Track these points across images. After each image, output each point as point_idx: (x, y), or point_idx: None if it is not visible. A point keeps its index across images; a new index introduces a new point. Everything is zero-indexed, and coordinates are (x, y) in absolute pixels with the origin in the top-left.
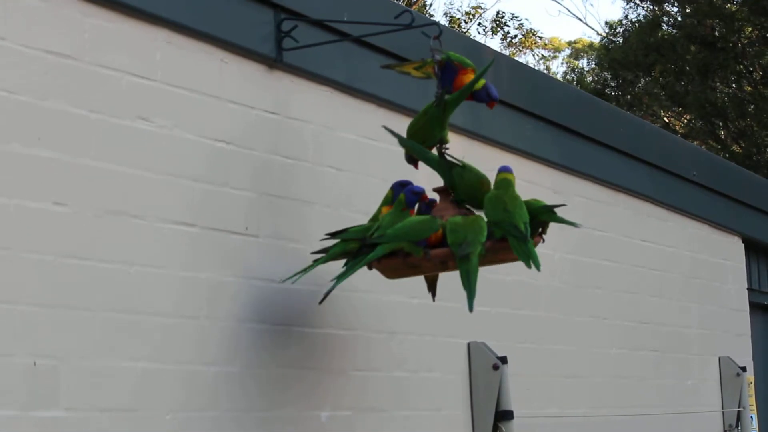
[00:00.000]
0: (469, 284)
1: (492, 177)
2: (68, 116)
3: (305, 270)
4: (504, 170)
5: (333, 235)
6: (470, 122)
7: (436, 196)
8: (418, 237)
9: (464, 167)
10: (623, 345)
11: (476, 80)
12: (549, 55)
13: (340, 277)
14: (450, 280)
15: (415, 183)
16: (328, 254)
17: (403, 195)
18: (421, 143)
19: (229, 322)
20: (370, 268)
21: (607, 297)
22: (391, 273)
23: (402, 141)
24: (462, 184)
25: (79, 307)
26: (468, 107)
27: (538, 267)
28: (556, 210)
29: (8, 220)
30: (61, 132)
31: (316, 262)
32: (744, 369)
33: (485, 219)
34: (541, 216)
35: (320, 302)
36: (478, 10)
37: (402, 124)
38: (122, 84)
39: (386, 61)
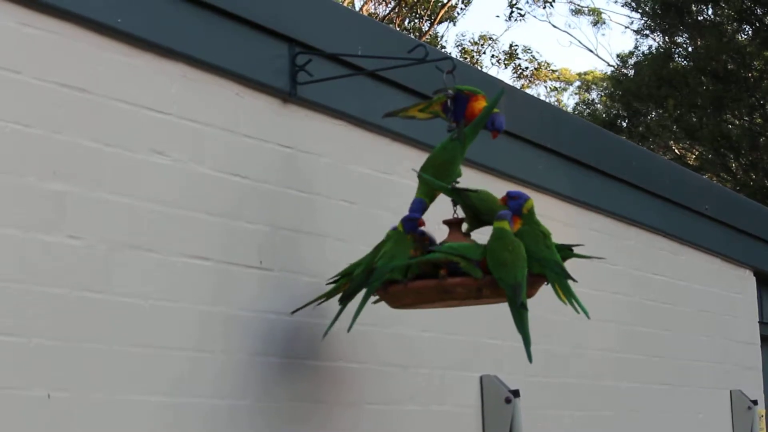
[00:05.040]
0: (524, 330)
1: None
2: (83, 150)
3: (337, 315)
4: (526, 198)
5: (336, 281)
6: (482, 155)
7: (445, 229)
8: (475, 257)
9: (477, 191)
10: (634, 378)
11: (490, 109)
12: (560, 87)
13: (374, 283)
14: (461, 313)
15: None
16: (347, 291)
17: (401, 223)
18: (444, 179)
19: (242, 355)
20: (375, 300)
21: (618, 330)
22: (414, 298)
23: (423, 178)
24: (483, 206)
25: (93, 341)
26: (479, 142)
27: (586, 312)
28: (573, 248)
29: (23, 254)
30: (75, 165)
31: (342, 304)
32: (755, 402)
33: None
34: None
35: (341, 301)
36: (488, 40)
37: (415, 157)
38: (137, 117)
39: (400, 95)
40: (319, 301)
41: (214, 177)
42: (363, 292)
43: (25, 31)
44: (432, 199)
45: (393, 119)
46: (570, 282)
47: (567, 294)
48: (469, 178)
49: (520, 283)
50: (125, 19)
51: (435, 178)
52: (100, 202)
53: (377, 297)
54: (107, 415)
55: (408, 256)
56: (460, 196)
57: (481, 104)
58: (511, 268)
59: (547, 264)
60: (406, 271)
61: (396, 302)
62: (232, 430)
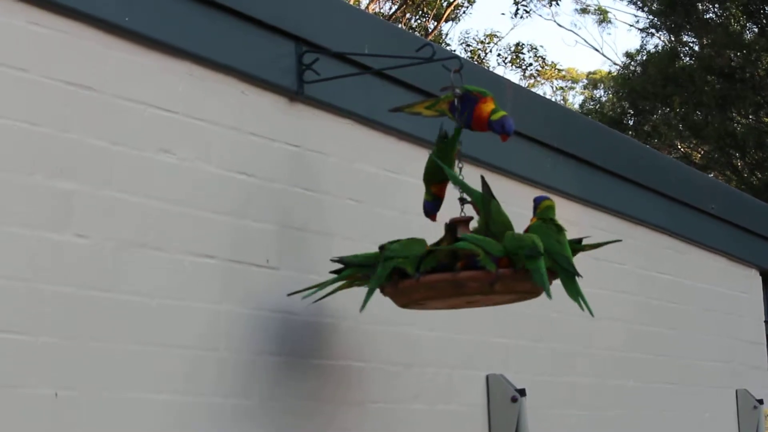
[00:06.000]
0: (542, 277)
1: (510, 210)
2: (90, 148)
3: (320, 287)
4: (545, 198)
5: (340, 260)
6: (489, 154)
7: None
8: (494, 252)
9: (499, 204)
10: (640, 377)
11: (457, 135)
12: (566, 86)
13: (386, 262)
14: (468, 311)
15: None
16: (340, 277)
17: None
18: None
19: (248, 354)
20: (384, 293)
21: (624, 329)
22: (425, 293)
23: (447, 172)
24: (499, 218)
25: (100, 339)
26: (486, 141)
27: (590, 310)
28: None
29: (30, 252)
30: (82, 164)
31: (331, 287)
32: (761, 401)
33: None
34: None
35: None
36: (493, 38)
37: (423, 156)
38: (144, 116)
39: (407, 93)
40: (324, 294)
41: (220, 175)
42: (376, 274)
43: (32, 30)
44: (434, 197)
45: (400, 118)
46: (578, 280)
47: (573, 291)
48: (477, 178)
49: (568, 256)
50: (132, 17)
51: (427, 189)
52: (107, 201)
53: (385, 292)
54: (114, 414)
55: (423, 250)
56: (482, 201)
57: (489, 106)
58: (563, 247)
59: (557, 257)
60: (418, 265)
61: (405, 298)
62: (238, 428)
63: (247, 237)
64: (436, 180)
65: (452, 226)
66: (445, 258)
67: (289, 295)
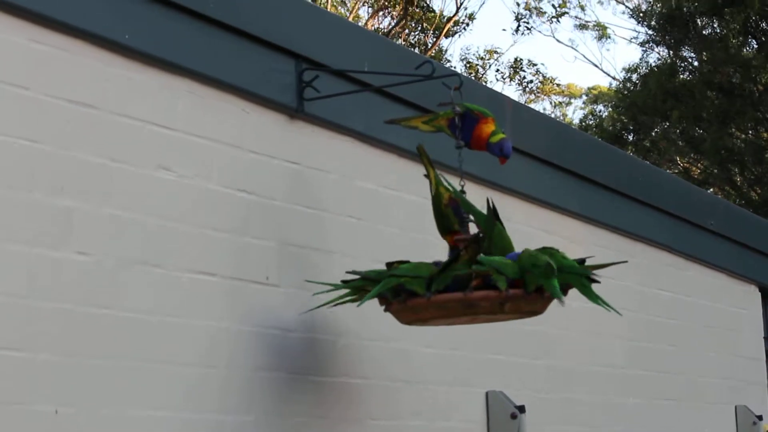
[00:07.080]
0: (556, 289)
1: (509, 227)
2: (90, 165)
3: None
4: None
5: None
6: (489, 172)
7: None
8: (509, 273)
9: (503, 229)
10: (640, 394)
11: (432, 180)
12: (565, 101)
13: (390, 278)
14: (467, 328)
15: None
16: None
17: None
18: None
19: (248, 371)
20: (386, 309)
21: (625, 346)
22: (435, 312)
23: (458, 195)
24: (501, 243)
25: (100, 356)
26: (485, 158)
27: (615, 310)
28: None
29: (31, 269)
30: (83, 181)
31: (339, 297)
32: (760, 417)
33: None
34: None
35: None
36: (494, 54)
37: (423, 173)
38: (144, 133)
39: (407, 111)
40: (333, 302)
41: (220, 193)
42: (377, 285)
43: (33, 48)
44: (452, 248)
45: (400, 135)
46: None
47: (593, 296)
48: (476, 195)
49: (576, 265)
50: (132, 35)
51: (440, 226)
52: (107, 218)
53: (391, 309)
54: (113, 430)
55: (431, 272)
56: (486, 224)
57: (489, 127)
58: (568, 261)
59: (568, 269)
60: (429, 284)
61: (412, 316)
62: None
63: (247, 254)
64: (447, 231)
65: (478, 240)
66: (463, 275)
67: (314, 294)
